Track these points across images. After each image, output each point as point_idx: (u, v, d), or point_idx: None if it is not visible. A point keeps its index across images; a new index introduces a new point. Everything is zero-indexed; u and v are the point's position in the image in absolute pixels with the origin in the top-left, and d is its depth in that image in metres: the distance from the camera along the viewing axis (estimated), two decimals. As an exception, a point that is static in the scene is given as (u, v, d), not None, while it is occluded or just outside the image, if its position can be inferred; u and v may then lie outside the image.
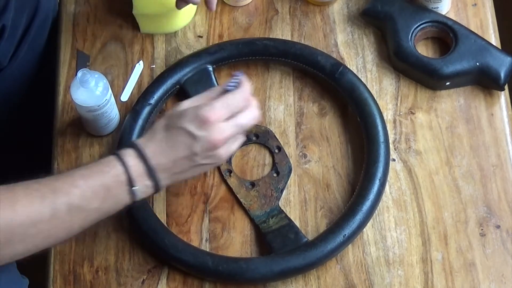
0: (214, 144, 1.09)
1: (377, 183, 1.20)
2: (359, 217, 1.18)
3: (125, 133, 1.26)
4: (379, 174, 1.21)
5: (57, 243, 1.05)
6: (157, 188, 1.10)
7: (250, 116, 1.13)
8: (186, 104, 1.12)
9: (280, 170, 1.26)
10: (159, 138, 1.10)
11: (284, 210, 1.23)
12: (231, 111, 1.11)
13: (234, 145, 1.13)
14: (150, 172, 1.08)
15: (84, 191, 1.04)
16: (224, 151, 1.11)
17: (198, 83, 1.31)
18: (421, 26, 1.31)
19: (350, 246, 1.20)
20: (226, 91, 1.12)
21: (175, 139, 1.09)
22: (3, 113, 1.45)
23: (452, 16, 1.34)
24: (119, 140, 1.26)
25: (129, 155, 1.09)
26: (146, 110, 1.28)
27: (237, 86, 1.13)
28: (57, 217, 1.02)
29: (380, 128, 1.24)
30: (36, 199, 1.01)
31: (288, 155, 1.27)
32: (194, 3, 1.29)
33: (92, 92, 1.23)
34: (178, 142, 1.09)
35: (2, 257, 1.01)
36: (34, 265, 1.17)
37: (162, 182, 1.10)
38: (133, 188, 1.07)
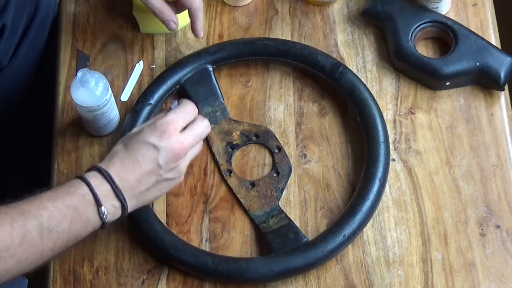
0: (177, 153, 1.11)
1: (377, 183, 1.20)
2: (359, 217, 1.18)
3: (125, 133, 1.26)
4: (379, 174, 1.21)
5: (31, 268, 1.03)
6: (124, 209, 1.09)
7: (204, 125, 1.16)
8: (138, 126, 1.14)
9: (280, 170, 1.26)
10: (120, 157, 1.10)
11: (284, 210, 1.23)
12: (185, 120, 1.13)
13: (191, 158, 1.15)
14: (116, 191, 1.08)
15: (52, 213, 1.03)
16: (184, 164, 1.13)
17: (198, 83, 1.31)
18: (421, 26, 1.31)
19: (350, 246, 1.20)
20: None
21: (137, 154, 1.10)
22: (3, 113, 1.45)
23: (452, 16, 1.35)
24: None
25: (93, 176, 1.08)
26: (146, 110, 1.28)
27: (179, 105, 1.16)
28: (28, 240, 1.01)
29: (380, 128, 1.24)
30: (6, 223, 1.00)
31: (288, 155, 1.27)
32: (171, 30, 1.28)
33: (92, 92, 1.23)
34: (141, 157, 1.10)
35: None
36: (34, 265, 1.17)
37: (129, 202, 1.09)
38: (100, 207, 1.07)
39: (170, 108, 1.16)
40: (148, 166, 1.10)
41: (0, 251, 0.99)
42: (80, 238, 1.07)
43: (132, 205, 1.10)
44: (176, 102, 1.17)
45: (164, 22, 1.26)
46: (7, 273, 1.01)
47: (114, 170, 1.09)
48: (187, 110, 1.15)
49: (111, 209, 1.08)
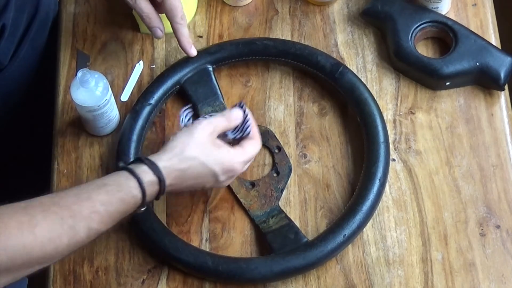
0: (234, 175, 1.17)
1: (377, 183, 1.20)
2: (359, 217, 1.18)
3: (125, 133, 1.26)
4: (379, 174, 1.21)
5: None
6: (162, 190, 1.10)
7: (258, 148, 1.19)
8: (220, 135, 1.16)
9: (280, 170, 1.26)
10: (183, 169, 1.12)
11: (284, 210, 1.23)
12: (251, 158, 1.18)
13: (245, 169, 1.19)
14: (163, 191, 1.10)
15: (103, 217, 1.04)
16: (237, 173, 1.18)
17: (198, 83, 1.31)
18: (421, 26, 1.31)
19: (350, 246, 1.20)
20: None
21: (199, 178, 1.13)
22: (3, 113, 1.45)
23: (452, 16, 1.34)
24: (119, 140, 1.26)
25: (150, 185, 1.08)
26: (146, 110, 1.28)
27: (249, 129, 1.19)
28: (76, 240, 1.02)
29: (380, 128, 1.24)
30: (56, 223, 1.00)
31: (288, 155, 1.27)
32: (156, 37, 1.28)
33: (92, 92, 1.23)
34: (201, 179, 1.13)
35: (19, 276, 1.00)
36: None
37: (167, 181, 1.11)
38: (141, 207, 1.09)
39: (243, 111, 1.18)
40: (207, 184, 1.15)
41: (48, 250, 0.99)
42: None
43: (169, 186, 1.12)
44: (242, 103, 1.19)
45: (150, 28, 1.26)
46: (47, 266, 1.03)
47: (169, 181, 1.10)
48: (257, 149, 1.18)
49: (151, 197, 1.09)
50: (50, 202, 1.02)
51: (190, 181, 1.13)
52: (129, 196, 1.07)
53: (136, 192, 1.07)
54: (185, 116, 1.20)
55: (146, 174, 1.08)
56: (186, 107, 1.22)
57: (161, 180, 1.09)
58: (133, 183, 1.07)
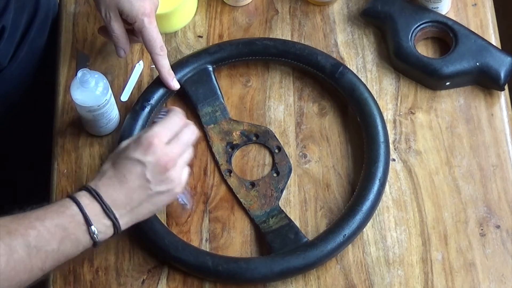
0: (164, 165, 1.09)
1: (377, 183, 1.20)
2: (359, 217, 1.18)
3: (125, 133, 1.26)
4: (379, 174, 1.21)
5: (25, 285, 1.03)
6: (116, 227, 1.08)
7: (189, 132, 1.13)
8: (125, 141, 1.12)
9: (280, 170, 1.26)
10: (108, 175, 1.09)
11: (284, 210, 1.23)
12: (172, 131, 1.11)
13: (183, 166, 1.12)
14: (106, 210, 1.07)
15: (40, 232, 1.02)
16: (176, 174, 1.11)
17: (198, 83, 1.31)
18: (421, 26, 1.31)
19: (350, 246, 1.20)
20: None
21: (124, 171, 1.08)
22: (3, 114, 1.45)
23: (452, 16, 1.35)
24: (119, 140, 1.26)
25: (83, 196, 1.07)
26: (146, 110, 1.28)
27: (166, 115, 1.15)
28: (15, 259, 1.00)
29: (380, 128, 1.24)
30: None
31: (288, 155, 1.27)
32: (118, 56, 1.27)
33: (92, 92, 1.23)
34: (128, 173, 1.08)
35: None
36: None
37: (121, 220, 1.08)
38: (91, 227, 1.06)
39: (160, 117, 1.15)
40: (137, 182, 1.08)
41: None
42: (71, 257, 1.06)
43: (125, 222, 1.09)
44: (165, 111, 1.16)
45: (115, 47, 1.26)
46: None
47: (103, 189, 1.08)
48: (173, 120, 1.13)
49: (102, 228, 1.07)
50: None
51: (122, 184, 1.08)
52: (62, 207, 1.05)
53: (68, 203, 1.06)
54: (161, 114, 1.21)
55: (77, 190, 1.09)
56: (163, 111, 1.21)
57: (88, 188, 1.08)
58: (66, 199, 1.07)
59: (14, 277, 1.00)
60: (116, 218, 1.07)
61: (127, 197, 1.08)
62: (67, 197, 1.07)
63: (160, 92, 1.29)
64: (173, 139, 1.11)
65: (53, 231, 1.03)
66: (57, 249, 1.03)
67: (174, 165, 1.10)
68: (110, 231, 1.08)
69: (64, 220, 1.04)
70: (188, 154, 1.13)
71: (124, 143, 1.12)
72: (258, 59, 1.33)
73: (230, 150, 1.28)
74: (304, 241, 1.19)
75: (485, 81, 1.29)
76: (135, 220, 1.10)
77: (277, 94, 1.32)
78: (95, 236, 1.06)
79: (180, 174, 1.11)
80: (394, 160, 1.26)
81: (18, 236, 1.01)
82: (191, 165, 1.27)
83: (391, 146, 1.26)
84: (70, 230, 1.04)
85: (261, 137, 1.29)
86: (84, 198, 1.07)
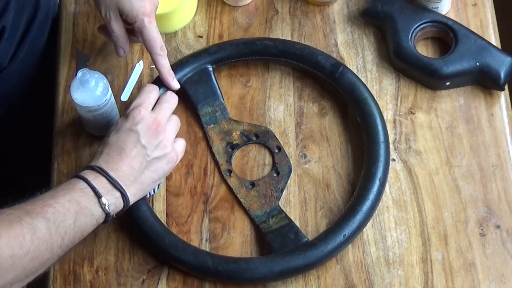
0: (154, 129, 1.16)
1: (377, 183, 1.20)
2: (359, 217, 1.18)
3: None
4: (379, 173, 1.21)
5: (44, 267, 1.04)
6: (125, 197, 1.12)
7: (168, 95, 1.22)
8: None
9: (280, 170, 1.26)
10: (106, 151, 1.14)
11: (284, 210, 1.23)
12: (151, 99, 1.19)
13: (173, 131, 1.19)
14: (112, 181, 1.11)
15: (56, 208, 1.05)
16: (167, 138, 1.17)
17: (198, 83, 1.31)
18: (421, 26, 1.31)
19: (350, 246, 1.20)
20: None
21: (120, 143, 1.15)
22: (3, 114, 1.45)
23: (452, 16, 1.35)
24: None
25: (87, 172, 1.12)
26: (146, 110, 1.28)
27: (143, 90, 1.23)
28: (38, 237, 1.02)
29: (380, 127, 1.24)
30: (14, 222, 1.01)
31: (288, 155, 1.27)
32: (117, 55, 1.28)
33: (92, 92, 1.23)
34: (124, 144, 1.14)
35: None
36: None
37: (128, 191, 1.12)
38: (101, 199, 1.09)
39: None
40: (134, 150, 1.14)
41: (14, 248, 0.99)
42: (86, 233, 1.09)
43: (132, 193, 1.14)
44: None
45: (115, 47, 1.27)
46: (25, 271, 1.02)
47: (104, 164, 1.13)
48: (148, 90, 1.20)
49: (112, 199, 1.11)
50: (7, 209, 1.03)
51: (120, 155, 1.13)
52: (70, 184, 1.09)
53: (75, 181, 1.10)
54: None
55: (82, 171, 1.13)
56: None
57: (90, 166, 1.12)
58: (72, 178, 1.11)
59: (38, 256, 1.02)
60: (123, 188, 1.12)
61: (129, 166, 1.14)
62: (73, 176, 1.11)
63: (160, 92, 1.29)
64: (156, 107, 1.19)
65: (67, 206, 1.06)
66: (73, 224, 1.07)
67: (164, 129, 1.17)
68: (120, 203, 1.12)
69: (76, 195, 1.08)
70: (173, 123, 1.20)
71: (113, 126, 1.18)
72: (258, 59, 1.33)
73: (230, 150, 1.28)
74: (304, 241, 1.19)
75: (485, 81, 1.29)
76: (140, 191, 1.15)
77: (277, 94, 1.32)
78: (106, 207, 1.10)
79: (171, 141, 1.18)
80: (394, 160, 1.26)
81: (37, 215, 1.03)
82: (191, 164, 1.28)
83: (391, 146, 1.26)
84: (83, 203, 1.08)
85: (261, 137, 1.29)
86: (89, 174, 1.12)
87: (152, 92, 1.20)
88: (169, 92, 1.23)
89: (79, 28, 1.40)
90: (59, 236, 1.05)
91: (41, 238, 1.02)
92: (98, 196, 1.09)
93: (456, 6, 1.36)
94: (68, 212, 1.06)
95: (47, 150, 1.31)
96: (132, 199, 1.14)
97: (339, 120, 1.30)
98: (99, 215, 1.10)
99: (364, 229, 1.21)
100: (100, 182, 1.11)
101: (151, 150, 1.15)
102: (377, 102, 1.27)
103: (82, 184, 1.10)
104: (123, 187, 1.12)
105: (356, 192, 1.21)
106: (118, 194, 1.12)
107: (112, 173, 1.12)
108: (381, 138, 1.23)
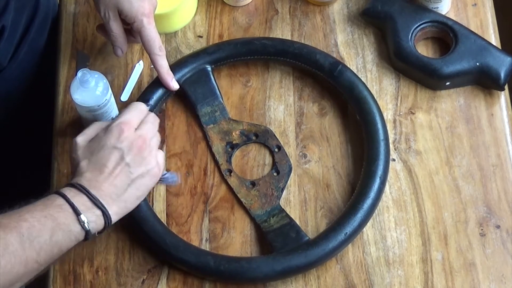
0: (139, 148, 1.13)
1: (377, 181, 1.20)
2: (360, 215, 1.18)
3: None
4: (380, 172, 1.21)
5: (23, 280, 1.04)
6: (106, 216, 1.09)
7: (152, 118, 1.18)
8: (79, 137, 1.16)
9: (280, 169, 1.26)
10: (88, 168, 1.12)
11: (284, 209, 1.23)
12: (138, 118, 1.17)
13: (156, 148, 1.16)
14: (93, 199, 1.09)
15: (31, 223, 1.03)
16: (151, 155, 1.15)
17: (197, 83, 1.31)
18: (421, 26, 1.31)
19: (350, 246, 1.20)
20: None
21: (103, 161, 1.12)
22: (3, 114, 1.45)
23: (452, 16, 1.35)
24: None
25: (67, 190, 1.09)
26: (146, 110, 1.28)
27: None
28: (10, 252, 1.01)
29: (379, 125, 1.24)
30: None
31: (288, 155, 1.27)
32: (115, 55, 1.28)
33: (92, 92, 1.23)
34: (108, 161, 1.12)
35: None
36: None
37: (110, 209, 1.09)
38: (79, 216, 1.07)
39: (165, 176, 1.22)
40: (118, 168, 1.12)
41: None
42: (66, 249, 1.07)
43: (114, 211, 1.10)
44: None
45: (113, 46, 1.27)
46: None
47: (86, 182, 1.10)
48: (138, 108, 1.18)
49: (92, 217, 1.08)
50: None
51: (103, 173, 1.11)
52: (49, 200, 1.07)
53: (53, 197, 1.08)
54: None
55: (62, 188, 1.11)
56: None
57: (71, 184, 1.10)
58: (51, 195, 1.09)
59: (10, 270, 1.01)
60: (104, 207, 1.09)
61: (111, 185, 1.11)
62: (53, 193, 1.09)
63: (160, 92, 1.29)
64: (140, 125, 1.16)
65: (43, 221, 1.04)
66: (49, 240, 1.04)
67: (148, 146, 1.14)
68: (100, 221, 1.09)
69: (53, 211, 1.06)
70: (156, 139, 1.17)
71: (87, 132, 1.16)
72: (257, 59, 1.33)
73: (230, 149, 1.28)
74: (306, 240, 1.19)
75: (485, 81, 1.29)
76: (123, 209, 1.12)
77: (277, 94, 1.32)
78: (85, 225, 1.07)
79: (156, 155, 1.15)
80: (394, 160, 1.26)
81: (11, 229, 1.02)
82: (191, 164, 1.27)
83: (391, 146, 1.26)
84: (60, 220, 1.06)
85: (261, 136, 1.29)
86: (69, 191, 1.09)
87: (142, 111, 1.18)
88: (153, 114, 1.20)
89: (79, 28, 1.40)
90: (34, 251, 1.03)
91: (13, 253, 1.01)
92: (77, 213, 1.06)
93: (456, 6, 1.36)
94: (44, 227, 1.04)
95: (47, 150, 1.31)
96: (114, 218, 1.10)
97: (339, 120, 1.30)
98: (78, 232, 1.07)
99: (364, 229, 1.21)
100: (80, 200, 1.08)
101: (135, 167, 1.12)
102: (377, 102, 1.27)
103: (61, 201, 1.07)
104: (105, 205, 1.09)
105: (356, 191, 1.21)
106: (99, 212, 1.08)
107: (93, 191, 1.09)
108: (381, 136, 1.23)
